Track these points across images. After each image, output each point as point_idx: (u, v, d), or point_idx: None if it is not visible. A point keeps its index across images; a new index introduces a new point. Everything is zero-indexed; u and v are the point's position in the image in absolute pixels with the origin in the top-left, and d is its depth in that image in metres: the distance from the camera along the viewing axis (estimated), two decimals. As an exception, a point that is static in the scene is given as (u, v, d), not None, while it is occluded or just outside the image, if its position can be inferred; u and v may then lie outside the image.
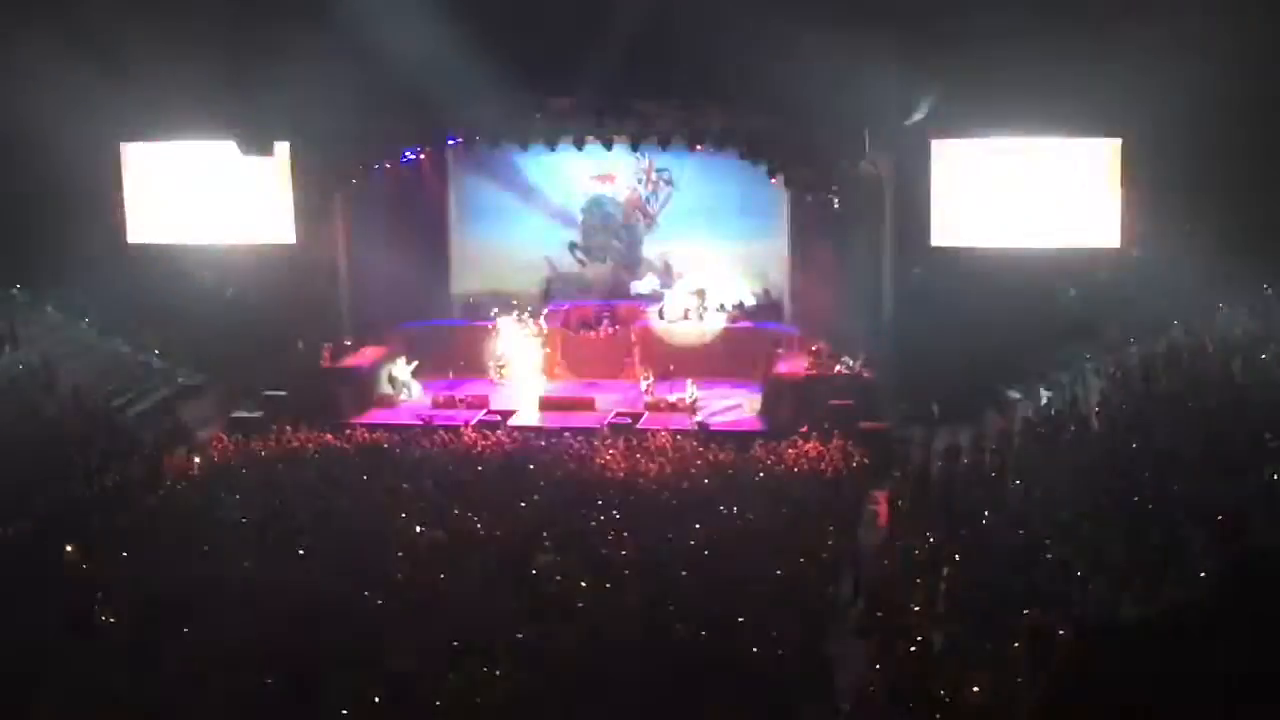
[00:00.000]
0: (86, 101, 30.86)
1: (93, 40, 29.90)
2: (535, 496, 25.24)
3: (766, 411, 31.06)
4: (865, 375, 30.69)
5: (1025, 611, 17.76)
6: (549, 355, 34.93)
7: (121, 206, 34.85)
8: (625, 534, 22.90)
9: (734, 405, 31.87)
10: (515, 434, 29.83)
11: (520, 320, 34.86)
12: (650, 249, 36.48)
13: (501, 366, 34.51)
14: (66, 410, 29.65)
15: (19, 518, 24.12)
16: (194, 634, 19.05)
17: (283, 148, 33.31)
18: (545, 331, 34.88)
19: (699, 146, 32.27)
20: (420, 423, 30.68)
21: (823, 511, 24.14)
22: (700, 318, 34.94)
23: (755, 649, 18.15)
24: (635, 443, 28.79)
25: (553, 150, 33.13)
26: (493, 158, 35.78)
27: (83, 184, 33.54)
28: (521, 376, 34.45)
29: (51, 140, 30.61)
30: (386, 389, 33.49)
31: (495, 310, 35.52)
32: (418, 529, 23.43)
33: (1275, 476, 20.11)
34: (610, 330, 35.08)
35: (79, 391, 30.67)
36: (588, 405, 31.98)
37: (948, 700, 15.99)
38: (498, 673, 17.52)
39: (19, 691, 17.63)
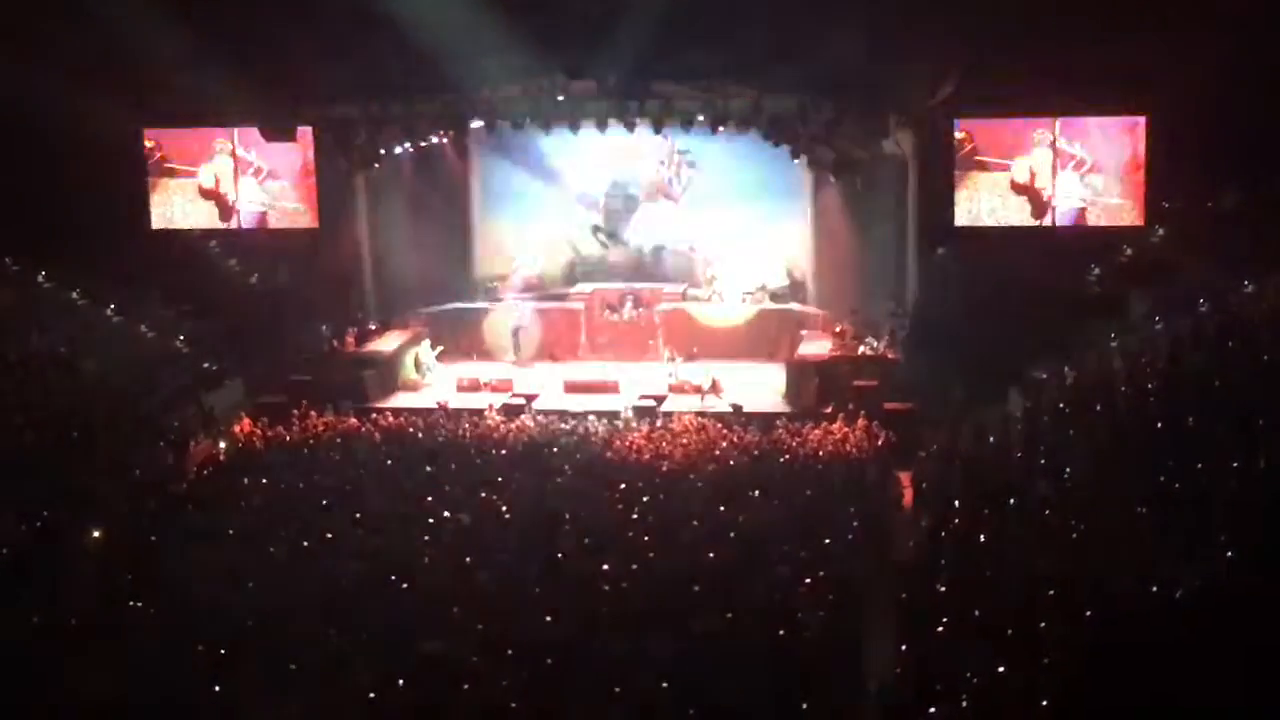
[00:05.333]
0: (110, 88, 30.88)
1: (116, 26, 29.91)
2: (559, 480, 25.28)
3: (790, 393, 31.03)
4: (889, 356, 30.71)
5: (1051, 592, 17.74)
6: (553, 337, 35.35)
7: (145, 192, 34.88)
8: (650, 517, 22.94)
9: (749, 388, 31.84)
10: (539, 417, 29.86)
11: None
12: (673, 231, 36.43)
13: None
14: (92, 397, 29.72)
15: (46, 504, 24.19)
16: (220, 618, 19.14)
17: (305, 132, 33.34)
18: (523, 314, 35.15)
19: (721, 128, 32.19)
20: (439, 408, 30.71)
21: (848, 493, 24.15)
22: (722, 299, 34.95)
23: (782, 631, 18.16)
24: (660, 425, 28.85)
25: (575, 133, 33.10)
26: (515, 141, 35.77)
27: (106, 170, 33.56)
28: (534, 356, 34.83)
29: (75, 127, 30.62)
30: (411, 373, 33.57)
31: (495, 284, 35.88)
32: (443, 513, 23.48)
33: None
34: (634, 313, 35.11)
35: (104, 378, 30.75)
36: (612, 388, 31.96)
37: (975, 681, 15.97)
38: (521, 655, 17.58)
39: (49, 675, 17.75)
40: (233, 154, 34.47)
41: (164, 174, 34.88)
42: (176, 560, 21.71)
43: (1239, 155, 28.89)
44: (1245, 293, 27.86)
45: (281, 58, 30.58)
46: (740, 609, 18.84)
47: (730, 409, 29.87)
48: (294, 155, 34.01)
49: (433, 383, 33.41)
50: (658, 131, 32.91)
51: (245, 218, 34.74)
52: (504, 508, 23.75)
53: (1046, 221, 31.45)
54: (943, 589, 19.08)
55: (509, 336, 35.03)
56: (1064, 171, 31.16)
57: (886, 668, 17.86)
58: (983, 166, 31.47)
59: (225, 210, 34.80)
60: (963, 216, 31.77)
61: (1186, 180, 30.27)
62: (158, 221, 35.16)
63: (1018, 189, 31.47)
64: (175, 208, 35.02)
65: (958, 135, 31.40)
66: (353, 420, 29.84)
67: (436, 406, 30.82)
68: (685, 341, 33.74)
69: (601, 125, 32.44)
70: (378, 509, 24.04)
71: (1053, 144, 31.17)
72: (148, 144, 34.74)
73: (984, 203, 31.66)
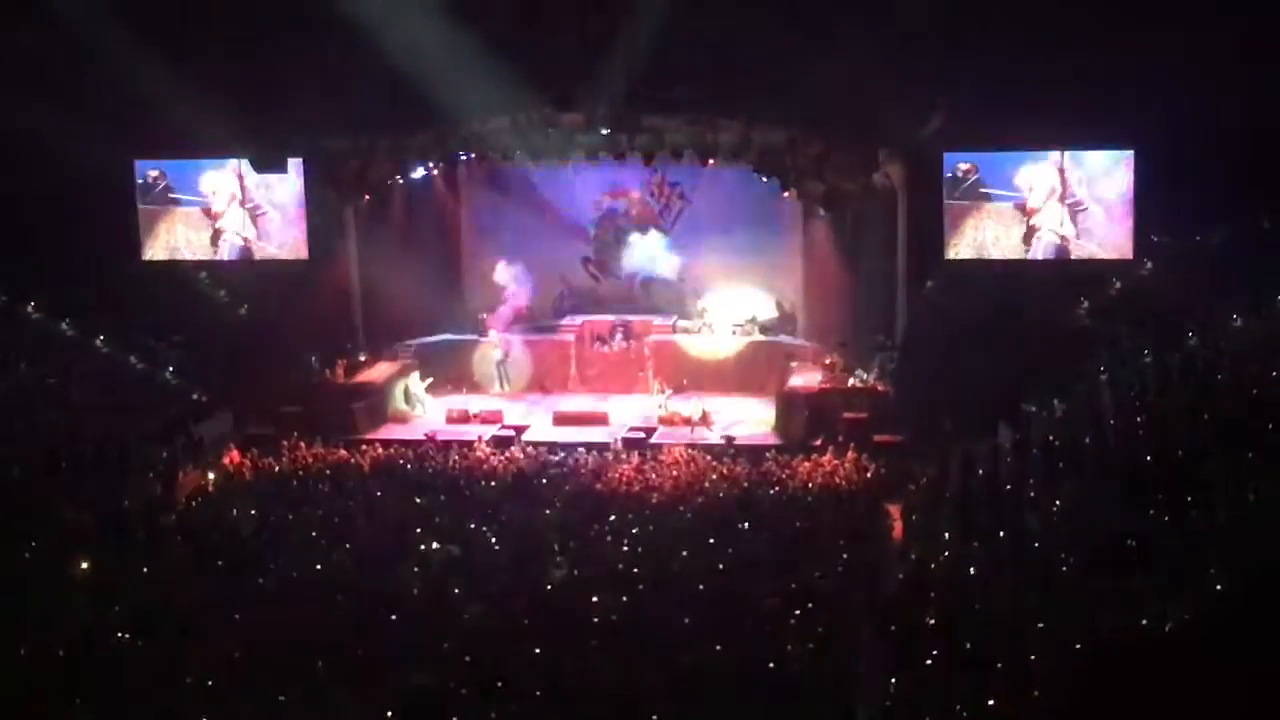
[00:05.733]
0: (100, 119, 30.87)
1: (107, 57, 29.96)
2: (549, 511, 25.26)
3: (780, 425, 31.03)
4: (879, 388, 30.70)
5: (1040, 625, 17.72)
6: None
7: (136, 223, 34.86)
8: (639, 549, 22.91)
9: (739, 421, 31.82)
10: (529, 449, 29.84)
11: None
12: (663, 263, 36.47)
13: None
14: (80, 428, 29.65)
15: (34, 536, 24.11)
16: (209, 649, 19.08)
17: (295, 164, 33.39)
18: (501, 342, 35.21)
19: (711, 161, 32.29)
20: (427, 439, 30.69)
21: (837, 526, 24.13)
22: (712, 331, 34.99)
23: (771, 664, 18.13)
24: (649, 457, 28.85)
25: (565, 165, 33.18)
26: (505, 173, 35.90)
27: (96, 200, 33.55)
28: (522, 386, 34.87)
29: (65, 157, 30.60)
30: (401, 405, 33.53)
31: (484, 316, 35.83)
32: (432, 545, 23.44)
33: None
34: (624, 345, 35.12)
35: (92, 409, 30.68)
36: (602, 420, 31.95)
37: (964, 714, 15.94)
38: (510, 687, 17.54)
39: (37, 705, 17.69)
40: (239, 175, 34.33)
41: (168, 203, 34.81)
42: (164, 592, 21.64)
43: (1227, 188, 28.98)
44: (1234, 326, 27.93)
45: (272, 90, 30.62)
46: (730, 641, 18.81)
47: (723, 441, 29.88)
48: (286, 187, 34.01)
49: (423, 414, 33.37)
50: (648, 164, 33.03)
51: (235, 249, 34.71)
52: (493, 539, 23.72)
53: (1034, 254, 31.45)
54: (932, 622, 19.06)
55: (491, 368, 35.04)
56: (1063, 205, 31.17)
57: (876, 701, 17.81)
58: (986, 196, 31.45)
59: (216, 232, 34.71)
60: (969, 247, 31.72)
61: (1175, 213, 30.35)
62: (162, 252, 35.07)
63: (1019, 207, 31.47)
64: (179, 236, 34.93)
65: (963, 166, 31.38)
66: (342, 452, 29.81)
67: (425, 438, 30.79)
68: (675, 373, 33.77)
69: (591, 157, 32.56)
70: (367, 541, 24.00)
71: (1060, 170, 31.13)
72: (152, 174, 34.68)
73: (989, 232, 31.60)
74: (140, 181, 34.66)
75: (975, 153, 31.49)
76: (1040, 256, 31.41)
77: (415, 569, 22.30)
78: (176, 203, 34.78)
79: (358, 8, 28.80)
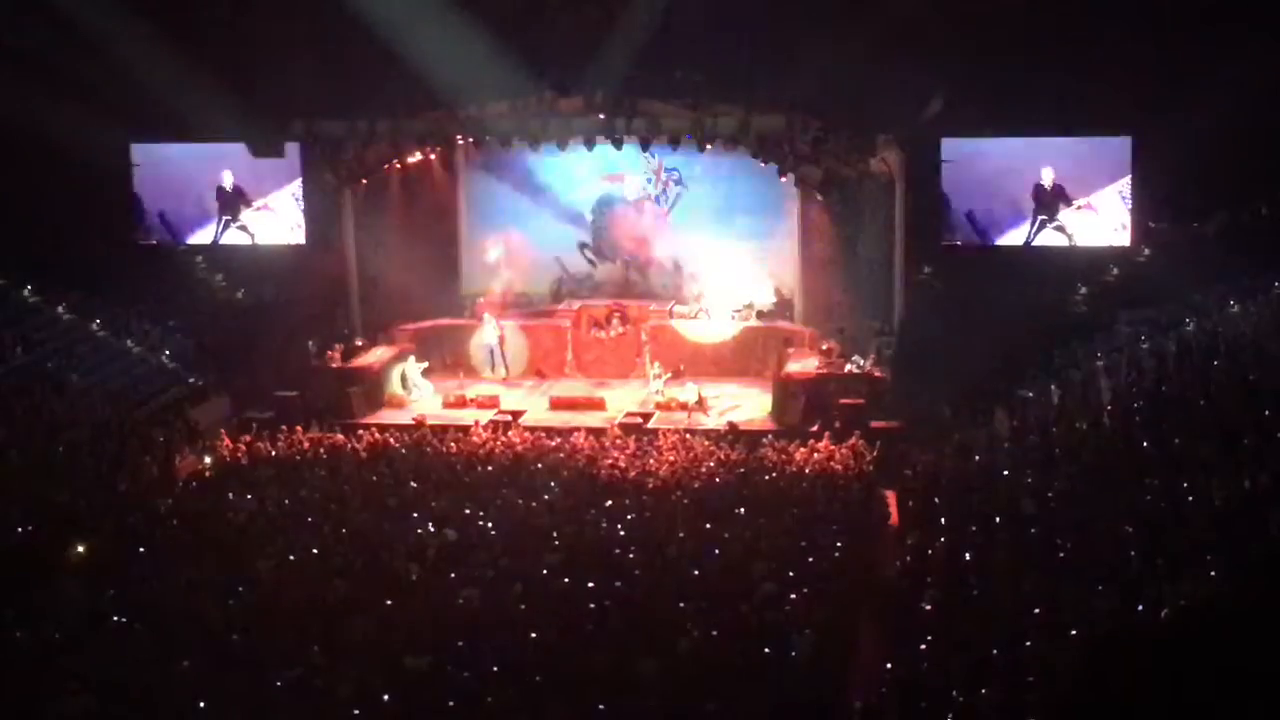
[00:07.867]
0: (98, 102, 30.85)
1: (104, 41, 29.91)
2: (545, 496, 25.24)
3: (777, 411, 31.02)
4: (876, 374, 30.70)
5: (1037, 611, 17.74)
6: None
7: (133, 207, 34.84)
8: (635, 534, 22.90)
9: (735, 406, 31.80)
10: (525, 434, 29.82)
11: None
12: (660, 249, 36.44)
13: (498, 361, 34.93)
14: (77, 412, 29.64)
15: (31, 519, 24.11)
16: (205, 634, 19.09)
17: (293, 149, 33.39)
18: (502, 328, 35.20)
19: (709, 146, 32.22)
20: (416, 423, 30.67)
21: (833, 512, 24.12)
22: (709, 316, 34.95)
23: (767, 650, 18.14)
24: (646, 442, 28.83)
25: (563, 150, 33.11)
26: (503, 158, 35.80)
27: (94, 185, 33.54)
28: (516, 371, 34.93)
29: (63, 141, 30.60)
30: (397, 389, 33.50)
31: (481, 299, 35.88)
32: (429, 529, 23.43)
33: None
34: (621, 330, 35.08)
35: (90, 393, 30.68)
36: (598, 405, 31.94)
37: (960, 700, 15.96)
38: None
39: (33, 689, 17.70)
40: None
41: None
42: (161, 576, 21.65)
43: (1225, 176, 29.00)
44: (1230, 313, 27.95)
45: (270, 75, 30.60)
46: (725, 627, 18.81)
47: (726, 427, 29.85)
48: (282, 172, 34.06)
49: (419, 399, 33.34)
50: (645, 149, 32.93)
51: (233, 233, 34.81)
52: (489, 524, 23.70)
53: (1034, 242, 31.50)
54: (929, 608, 19.08)
55: (485, 352, 35.03)
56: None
57: (872, 687, 17.84)
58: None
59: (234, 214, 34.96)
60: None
61: (1173, 200, 30.36)
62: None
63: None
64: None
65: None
66: (338, 436, 29.79)
67: (414, 422, 30.77)
68: (672, 359, 33.73)
69: (589, 142, 32.48)
70: (363, 525, 23.99)
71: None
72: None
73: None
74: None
75: (973, 138, 31.49)
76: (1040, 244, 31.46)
77: (411, 556, 22.29)
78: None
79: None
